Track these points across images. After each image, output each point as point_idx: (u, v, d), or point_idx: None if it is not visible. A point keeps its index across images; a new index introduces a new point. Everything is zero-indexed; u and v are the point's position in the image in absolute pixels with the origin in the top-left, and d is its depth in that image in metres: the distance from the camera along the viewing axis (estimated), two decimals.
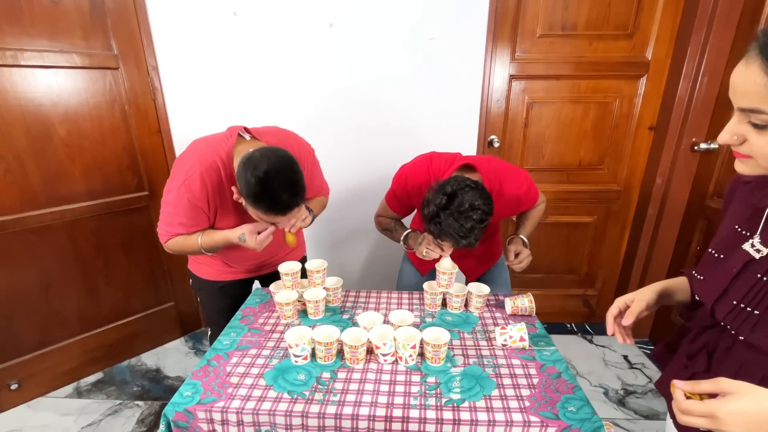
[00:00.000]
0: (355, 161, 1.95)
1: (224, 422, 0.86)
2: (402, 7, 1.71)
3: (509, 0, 1.75)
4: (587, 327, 2.31)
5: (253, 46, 1.77)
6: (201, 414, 0.86)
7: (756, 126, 0.53)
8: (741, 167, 0.58)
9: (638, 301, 0.78)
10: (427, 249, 1.23)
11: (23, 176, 1.58)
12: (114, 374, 1.95)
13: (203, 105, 1.86)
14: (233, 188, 1.07)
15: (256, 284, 1.51)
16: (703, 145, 1.78)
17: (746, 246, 0.64)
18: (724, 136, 0.57)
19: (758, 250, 0.63)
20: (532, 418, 0.83)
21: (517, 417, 0.83)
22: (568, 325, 2.32)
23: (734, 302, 0.64)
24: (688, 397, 0.56)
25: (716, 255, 0.70)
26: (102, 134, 1.74)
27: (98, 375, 1.94)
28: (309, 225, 1.29)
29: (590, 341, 2.20)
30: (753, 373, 0.56)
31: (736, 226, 0.68)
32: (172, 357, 2.07)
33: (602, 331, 2.26)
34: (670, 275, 2.02)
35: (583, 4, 1.76)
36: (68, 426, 1.64)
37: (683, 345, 0.76)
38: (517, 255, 1.29)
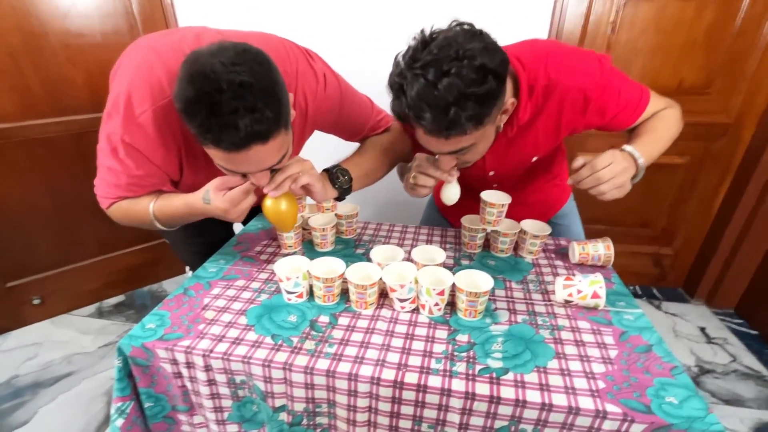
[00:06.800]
0: None
1: (189, 365, 0.67)
2: None
3: None
4: (655, 292, 1.95)
5: None
6: (161, 353, 0.67)
7: None
8: None
9: None
10: (416, 172, 0.79)
11: (21, 79, 1.43)
12: (135, 298, 1.91)
13: (213, 4, 1.58)
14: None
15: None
16: None
17: None
18: None
19: None
20: (610, 407, 0.56)
21: (585, 403, 0.57)
22: (631, 288, 1.97)
23: None
24: None
25: None
26: (103, 34, 1.53)
27: (120, 297, 1.91)
28: (335, 198, 0.84)
29: (658, 307, 1.85)
30: None
31: None
32: None
33: (674, 298, 1.91)
34: None
35: None
36: (85, 344, 1.62)
37: None
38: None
